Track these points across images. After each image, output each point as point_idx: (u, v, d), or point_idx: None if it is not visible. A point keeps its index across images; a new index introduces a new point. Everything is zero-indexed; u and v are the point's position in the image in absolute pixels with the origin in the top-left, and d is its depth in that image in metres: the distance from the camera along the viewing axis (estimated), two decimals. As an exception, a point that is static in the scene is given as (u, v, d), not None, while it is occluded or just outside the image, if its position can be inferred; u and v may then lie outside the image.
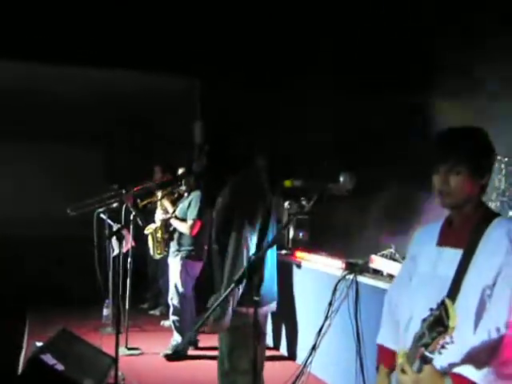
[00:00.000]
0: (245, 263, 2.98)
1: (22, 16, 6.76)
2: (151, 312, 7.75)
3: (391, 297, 2.35)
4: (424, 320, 1.78)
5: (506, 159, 5.51)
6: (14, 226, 7.96)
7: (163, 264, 7.43)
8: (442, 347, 1.75)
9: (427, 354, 1.79)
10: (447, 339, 1.72)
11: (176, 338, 6.08)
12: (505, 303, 1.90)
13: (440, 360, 1.86)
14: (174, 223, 6.25)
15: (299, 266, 5.88)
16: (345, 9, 6.76)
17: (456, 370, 1.89)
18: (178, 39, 7.30)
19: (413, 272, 2.25)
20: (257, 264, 2.52)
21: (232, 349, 3.15)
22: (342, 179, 2.02)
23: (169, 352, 5.98)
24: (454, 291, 1.99)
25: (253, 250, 3.06)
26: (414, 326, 2.07)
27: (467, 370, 1.88)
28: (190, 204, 6.21)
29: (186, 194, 6.40)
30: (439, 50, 5.55)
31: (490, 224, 2.04)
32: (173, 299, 6.15)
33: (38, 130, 8.18)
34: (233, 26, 7.25)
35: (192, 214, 6.12)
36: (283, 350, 6.25)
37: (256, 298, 2.07)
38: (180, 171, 6.72)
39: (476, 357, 1.87)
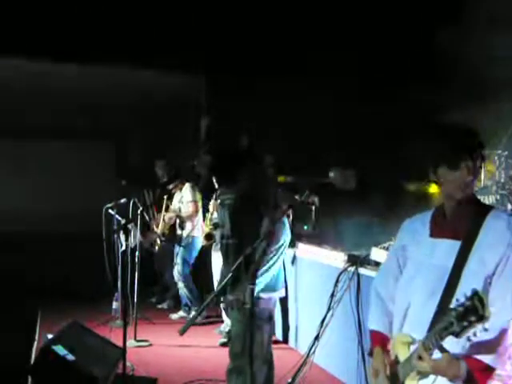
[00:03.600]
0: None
1: (33, 14, 6.85)
2: (159, 306, 7.88)
3: (378, 285, 2.46)
4: (451, 310, 1.86)
5: (506, 153, 5.57)
6: (25, 222, 8.08)
7: (167, 259, 7.59)
8: (474, 335, 1.84)
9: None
10: (479, 327, 1.82)
11: (227, 323, 6.19)
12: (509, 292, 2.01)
13: (452, 346, 1.98)
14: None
15: (302, 259, 5.98)
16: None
17: (470, 354, 2.00)
18: (185, 37, 7.37)
19: (403, 261, 2.36)
20: (252, 254, 2.63)
21: (245, 333, 3.24)
22: (332, 175, 2.12)
23: (225, 340, 6.09)
24: (453, 280, 2.10)
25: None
26: (412, 313, 2.21)
27: (480, 354, 1.99)
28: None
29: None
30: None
31: (486, 216, 2.14)
32: None
33: (49, 128, 8.27)
34: (239, 23, 7.31)
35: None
36: (281, 338, 6.37)
37: (251, 286, 2.18)
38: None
39: (486, 342, 1.98)
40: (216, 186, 6.31)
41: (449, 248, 2.16)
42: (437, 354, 1.98)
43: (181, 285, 7.16)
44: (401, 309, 2.29)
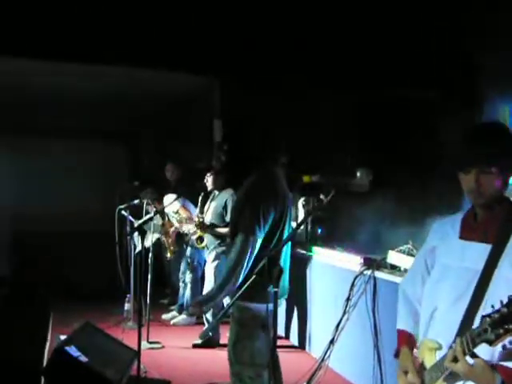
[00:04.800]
0: (246, 263, 3.05)
1: (46, 14, 6.86)
2: (172, 308, 7.87)
3: (405, 286, 2.41)
4: (486, 316, 1.78)
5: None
6: (38, 222, 8.09)
7: (174, 262, 7.58)
8: (510, 343, 1.77)
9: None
10: None
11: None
12: None
13: (484, 353, 1.89)
14: (218, 231, 6.27)
15: (317, 262, 5.94)
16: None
17: (501, 362, 1.91)
18: (199, 39, 7.36)
19: (431, 263, 2.29)
20: (275, 257, 2.58)
21: (237, 341, 3.22)
22: (358, 175, 2.06)
23: (199, 342, 6.08)
24: (483, 284, 2.02)
25: (256, 250, 3.11)
26: (439, 317, 2.14)
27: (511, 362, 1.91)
28: (225, 205, 6.25)
29: (216, 193, 6.46)
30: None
31: None
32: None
33: (62, 127, 8.29)
34: (253, 26, 7.29)
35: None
36: (294, 341, 6.33)
37: (275, 289, 2.14)
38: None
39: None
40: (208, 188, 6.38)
41: (479, 251, 2.08)
42: (469, 360, 1.92)
43: (187, 288, 7.11)
44: (427, 312, 2.22)
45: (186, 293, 7.14)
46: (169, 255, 7.25)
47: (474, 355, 1.86)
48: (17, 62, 7.14)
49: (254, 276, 2.01)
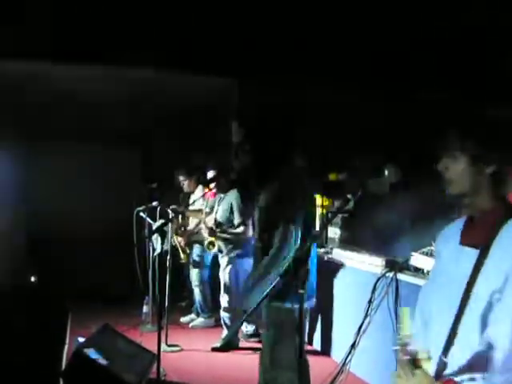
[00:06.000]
0: (287, 258, 3.00)
1: (63, 16, 6.87)
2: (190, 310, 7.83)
3: (421, 295, 2.32)
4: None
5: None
6: (53, 226, 8.09)
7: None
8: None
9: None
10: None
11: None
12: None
13: (449, 365, 1.86)
14: (228, 235, 6.27)
15: (339, 264, 5.86)
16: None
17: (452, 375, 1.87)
18: (217, 40, 7.33)
19: (437, 270, 2.21)
20: (302, 258, 2.52)
21: (274, 344, 3.17)
22: (386, 173, 2.00)
23: (217, 345, 6.09)
24: (466, 292, 1.93)
25: (296, 246, 3.08)
26: (432, 323, 2.06)
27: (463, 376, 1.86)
28: (231, 207, 6.26)
29: (221, 196, 6.44)
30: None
31: (507, 222, 1.93)
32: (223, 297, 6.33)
33: (74, 130, 8.28)
34: (272, 28, 7.25)
35: (238, 218, 6.19)
36: (317, 346, 6.25)
37: (301, 291, 2.08)
38: (210, 174, 6.78)
39: (478, 361, 1.83)
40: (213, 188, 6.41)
41: (470, 256, 1.97)
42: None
43: (196, 290, 7.12)
44: (422, 316, 2.13)
45: (196, 296, 7.17)
46: (182, 257, 7.19)
47: (417, 365, 1.87)
48: (31, 65, 7.17)
49: (280, 277, 1.96)
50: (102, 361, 4.07)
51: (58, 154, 8.37)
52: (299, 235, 3.12)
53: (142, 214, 6.59)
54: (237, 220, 6.20)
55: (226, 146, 7.72)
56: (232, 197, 6.29)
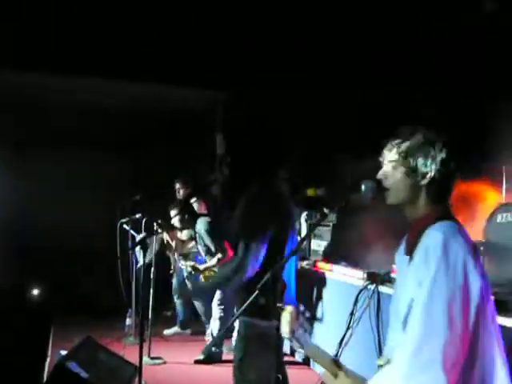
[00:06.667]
0: (248, 274, 3.01)
1: (59, 30, 6.90)
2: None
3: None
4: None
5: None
6: (39, 236, 8.04)
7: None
8: None
9: None
10: None
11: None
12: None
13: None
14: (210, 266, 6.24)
15: (320, 277, 5.89)
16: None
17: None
18: (202, 54, 7.38)
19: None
20: (278, 272, 2.53)
21: (242, 358, 3.17)
22: (363, 188, 2.03)
23: (200, 357, 6.06)
24: (399, 299, 2.02)
25: (259, 262, 3.07)
26: (389, 330, 2.12)
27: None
28: (202, 237, 6.30)
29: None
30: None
31: (428, 228, 1.95)
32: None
33: (63, 139, 8.28)
34: (256, 41, 7.30)
35: (211, 245, 6.22)
36: (298, 357, 6.24)
37: (280, 305, 2.10)
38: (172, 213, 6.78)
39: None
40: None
41: (405, 264, 2.01)
42: None
43: (178, 301, 7.16)
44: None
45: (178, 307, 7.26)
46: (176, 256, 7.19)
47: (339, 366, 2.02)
48: (29, 76, 7.20)
49: (256, 292, 1.98)
50: (84, 374, 4.04)
51: (46, 161, 8.34)
52: (261, 254, 3.08)
53: (125, 225, 6.58)
54: (212, 247, 6.21)
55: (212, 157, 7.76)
56: (198, 226, 6.32)
